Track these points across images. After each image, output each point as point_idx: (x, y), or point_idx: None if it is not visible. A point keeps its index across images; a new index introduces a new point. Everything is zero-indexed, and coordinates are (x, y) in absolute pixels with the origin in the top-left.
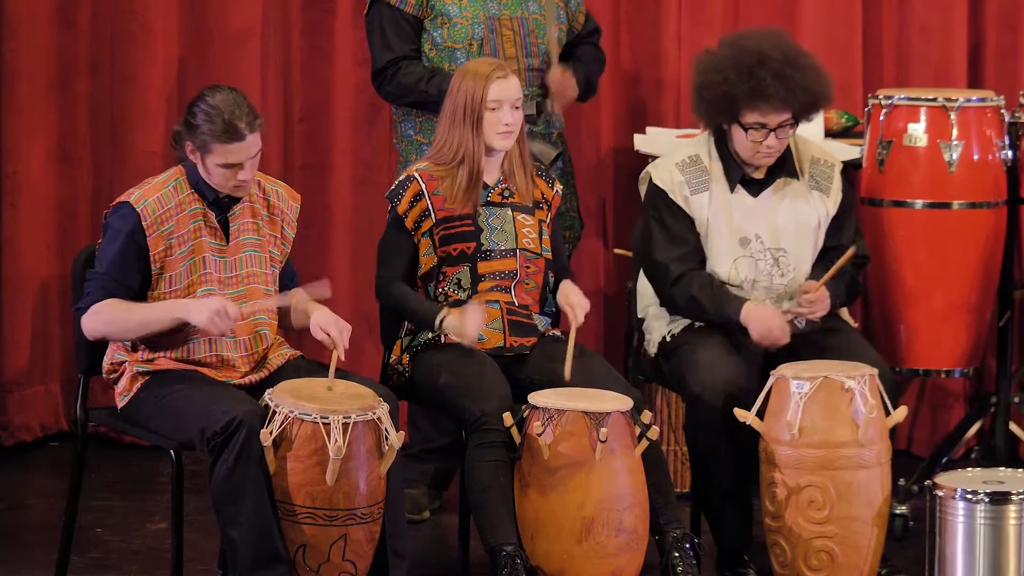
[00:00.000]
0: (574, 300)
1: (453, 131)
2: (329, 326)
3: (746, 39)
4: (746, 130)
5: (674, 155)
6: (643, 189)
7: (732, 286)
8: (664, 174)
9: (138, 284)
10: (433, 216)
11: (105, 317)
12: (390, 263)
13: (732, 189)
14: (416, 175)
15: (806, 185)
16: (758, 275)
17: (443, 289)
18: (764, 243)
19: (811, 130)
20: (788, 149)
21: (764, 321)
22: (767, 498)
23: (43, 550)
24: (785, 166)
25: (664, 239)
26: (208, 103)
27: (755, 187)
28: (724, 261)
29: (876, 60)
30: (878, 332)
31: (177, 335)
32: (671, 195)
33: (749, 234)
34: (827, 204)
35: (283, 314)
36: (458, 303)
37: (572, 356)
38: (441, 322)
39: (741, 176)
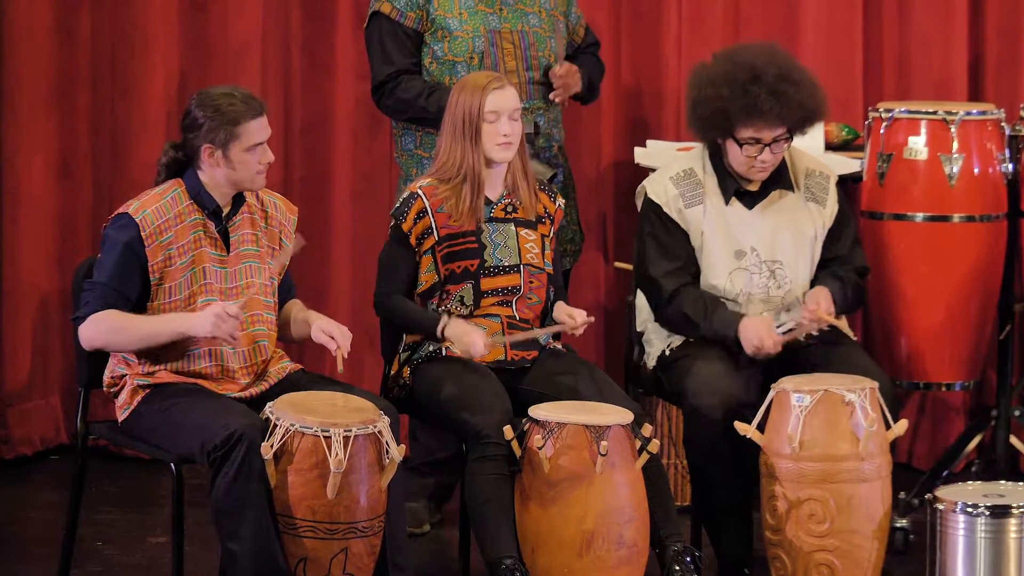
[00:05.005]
0: (571, 310)
1: (454, 146)
2: (332, 329)
3: (740, 54)
4: (741, 145)
5: (669, 169)
6: (639, 203)
7: (728, 299)
8: (658, 188)
9: (136, 295)
10: (436, 234)
11: (106, 327)
12: (390, 278)
13: (727, 202)
14: (420, 192)
15: (802, 197)
16: (754, 288)
17: (445, 306)
18: (760, 256)
19: (811, 143)
20: (783, 162)
21: (756, 331)
22: (768, 511)
23: (43, 564)
24: (780, 179)
25: (657, 253)
26: (207, 95)
27: (750, 200)
28: (720, 274)
29: (876, 73)
30: (878, 345)
31: (177, 346)
32: (665, 208)
33: (744, 247)
34: (823, 215)
35: (283, 325)
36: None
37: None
38: (443, 331)
39: (736, 189)
